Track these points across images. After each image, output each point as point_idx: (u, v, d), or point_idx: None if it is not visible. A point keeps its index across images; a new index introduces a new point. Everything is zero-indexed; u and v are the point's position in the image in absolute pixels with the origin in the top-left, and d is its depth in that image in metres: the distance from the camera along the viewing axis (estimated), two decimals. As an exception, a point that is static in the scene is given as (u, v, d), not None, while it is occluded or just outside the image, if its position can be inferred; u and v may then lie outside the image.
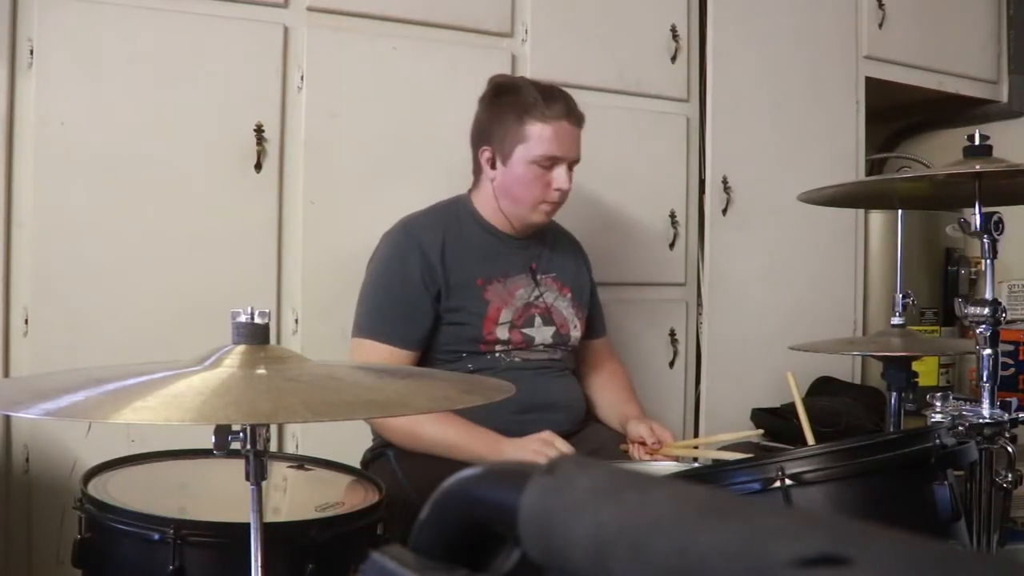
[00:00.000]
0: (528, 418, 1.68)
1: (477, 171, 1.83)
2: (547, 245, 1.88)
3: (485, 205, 1.81)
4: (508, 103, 1.74)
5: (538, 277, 1.82)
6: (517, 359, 1.76)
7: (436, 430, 1.61)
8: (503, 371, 1.72)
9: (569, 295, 1.86)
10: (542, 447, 1.55)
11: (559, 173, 1.73)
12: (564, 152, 1.72)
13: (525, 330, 1.77)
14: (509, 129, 1.72)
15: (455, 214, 1.82)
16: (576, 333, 1.86)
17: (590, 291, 1.96)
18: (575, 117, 1.74)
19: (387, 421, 1.66)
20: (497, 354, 1.74)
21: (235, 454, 0.94)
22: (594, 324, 1.98)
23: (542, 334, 1.79)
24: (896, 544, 0.29)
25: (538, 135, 1.70)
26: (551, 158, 1.71)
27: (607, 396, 1.93)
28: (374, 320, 1.71)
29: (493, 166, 1.77)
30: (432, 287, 1.70)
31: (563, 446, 1.57)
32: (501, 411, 1.54)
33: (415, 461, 1.65)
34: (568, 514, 0.37)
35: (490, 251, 1.79)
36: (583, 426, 1.84)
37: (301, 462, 1.43)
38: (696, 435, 2.52)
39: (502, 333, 1.74)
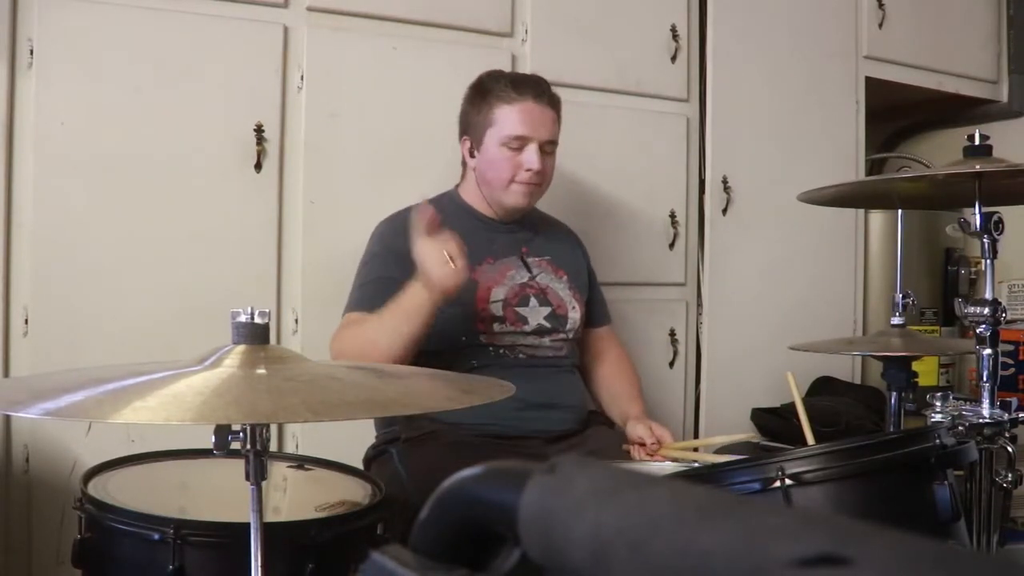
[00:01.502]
0: (528, 415, 1.68)
1: (463, 163, 1.87)
2: (538, 231, 1.90)
3: (471, 194, 1.85)
4: (480, 92, 1.79)
5: (530, 260, 1.84)
6: (522, 355, 1.76)
7: (378, 332, 1.60)
8: (508, 368, 1.72)
9: (565, 277, 1.87)
10: (435, 252, 1.52)
11: (529, 153, 1.75)
12: (531, 131, 1.74)
13: (519, 309, 1.77)
14: (480, 115, 1.77)
15: (441, 206, 1.82)
16: (575, 315, 1.85)
17: (588, 276, 1.97)
18: (544, 97, 1.77)
19: (343, 351, 1.66)
20: (501, 350, 1.74)
21: (235, 454, 0.94)
22: (596, 312, 1.98)
23: (536, 315, 1.79)
24: (896, 544, 0.29)
25: (504, 117, 1.74)
26: (518, 138, 1.74)
27: (611, 391, 1.94)
28: (354, 296, 1.75)
29: (472, 155, 1.81)
30: (414, 267, 1.70)
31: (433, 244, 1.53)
32: (501, 408, 1.54)
33: (418, 458, 1.65)
34: (568, 514, 0.37)
35: (477, 235, 1.80)
36: (585, 426, 1.84)
37: (301, 462, 1.43)
38: (696, 435, 2.52)
39: (496, 310, 1.75)
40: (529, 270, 1.83)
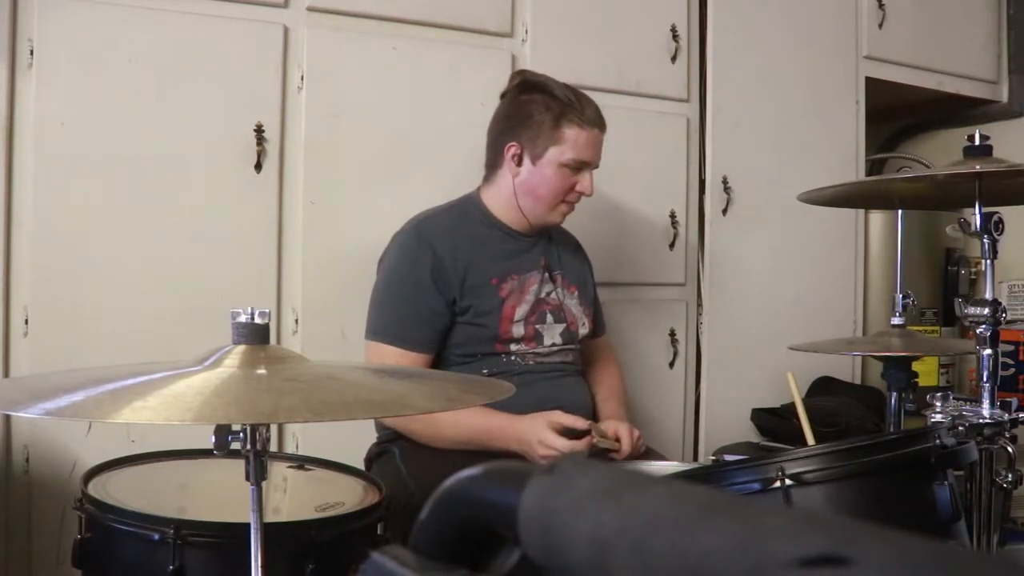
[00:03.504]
0: None
1: (494, 166, 1.81)
2: (554, 244, 1.89)
3: (498, 202, 1.80)
4: (541, 102, 1.73)
5: (550, 274, 1.83)
6: (531, 362, 1.76)
7: (454, 426, 1.62)
8: (517, 375, 1.72)
9: (576, 293, 1.88)
10: (546, 452, 1.56)
11: (585, 177, 1.75)
12: (593, 158, 1.76)
13: (537, 326, 1.77)
14: (543, 129, 1.72)
15: (466, 213, 1.81)
16: (584, 331, 1.87)
17: (593, 290, 1.97)
18: (603, 124, 1.77)
19: (407, 422, 1.67)
20: (512, 357, 1.75)
21: (235, 454, 0.94)
22: (597, 322, 1.99)
23: (552, 332, 1.79)
24: (896, 544, 0.29)
25: (574, 139, 1.72)
26: (582, 163, 1.74)
27: (595, 393, 1.93)
28: (386, 323, 1.71)
29: (519, 163, 1.76)
30: (445, 289, 1.70)
31: (562, 445, 1.57)
32: (507, 410, 1.55)
33: (420, 458, 1.65)
34: (568, 514, 0.37)
35: (503, 249, 1.79)
36: None
37: (301, 462, 1.43)
38: (696, 435, 2.52)
39: (517, 331, 1.75)
40: (551, 281, 1.82)
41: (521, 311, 1.76)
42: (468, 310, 1.71)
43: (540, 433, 1.57)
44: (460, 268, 1.71)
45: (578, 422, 1.60)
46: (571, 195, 1.77)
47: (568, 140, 1.71)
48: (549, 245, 1.87)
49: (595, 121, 1.74)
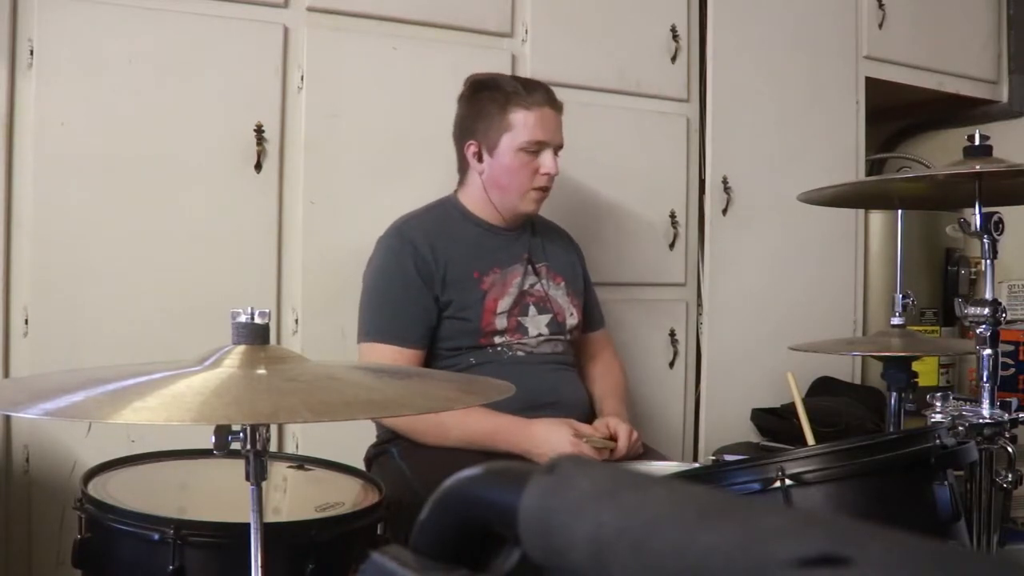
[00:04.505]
0: (533, 415, 1.68)
1: (463, 168, 1.85)
2: (537, 236, 1.90)
3: (474, 200, 1.83)
4: (488, 96, 1.77)
5: (533, 266, 1.84)
6: (520, 352, 1.76)
7: (460, 427, 1.62)
8: (506, 364, 1.73)
9: (563, 283, 1.88)
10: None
11: (546, 158, 1.76)
12: (549, 137, 1.76)
13: (520, 319, 1.78)
14: (493, 120, 1.75)
15: (445, 213, 1.84)
16: (572, 321, 1.87)
17: (584, 282, 1.98)
18: (555, 103, 1.79)
19: (412, 424, 1.67)
20: (498, 347, 1.75)
21: (235, 454, 0.94)
22: (592, 316, 1.99)
23: (536, 323, 1.80)
24: (896, 544, 0.29)
25: (522, 122, 1.74)
26: (537, 143, 1.75)
27: (595, 390, 1.94)
28: (378, 323, 1.73)
29: (480, 159, 1.79)
30: (430, 284, 1.72)
31: (587, 450, 1.60)
32: (506, 408, 1.55)
33: (420, 457, 1.66)
34: (568, 514, 0.37)
35: (483, 245, 1.80)
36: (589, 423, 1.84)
37: (301, 462, 1.43)
38: (696, 436, 2.52)
39: (500, 323, 1.75)
40: (535, 273, 1.83)
41: (504, 303, 1.77)
42: (450, 304, 1.73)
43: (567, 445, 1.58)
44: (441, 263, 1.73)
45: (597, 432, 1.64)
46: (538, 179, 1.77)
47: (517, 124, 1.74)
48: (533, 238, 1.88)
49: (543, 101, 1.75)
